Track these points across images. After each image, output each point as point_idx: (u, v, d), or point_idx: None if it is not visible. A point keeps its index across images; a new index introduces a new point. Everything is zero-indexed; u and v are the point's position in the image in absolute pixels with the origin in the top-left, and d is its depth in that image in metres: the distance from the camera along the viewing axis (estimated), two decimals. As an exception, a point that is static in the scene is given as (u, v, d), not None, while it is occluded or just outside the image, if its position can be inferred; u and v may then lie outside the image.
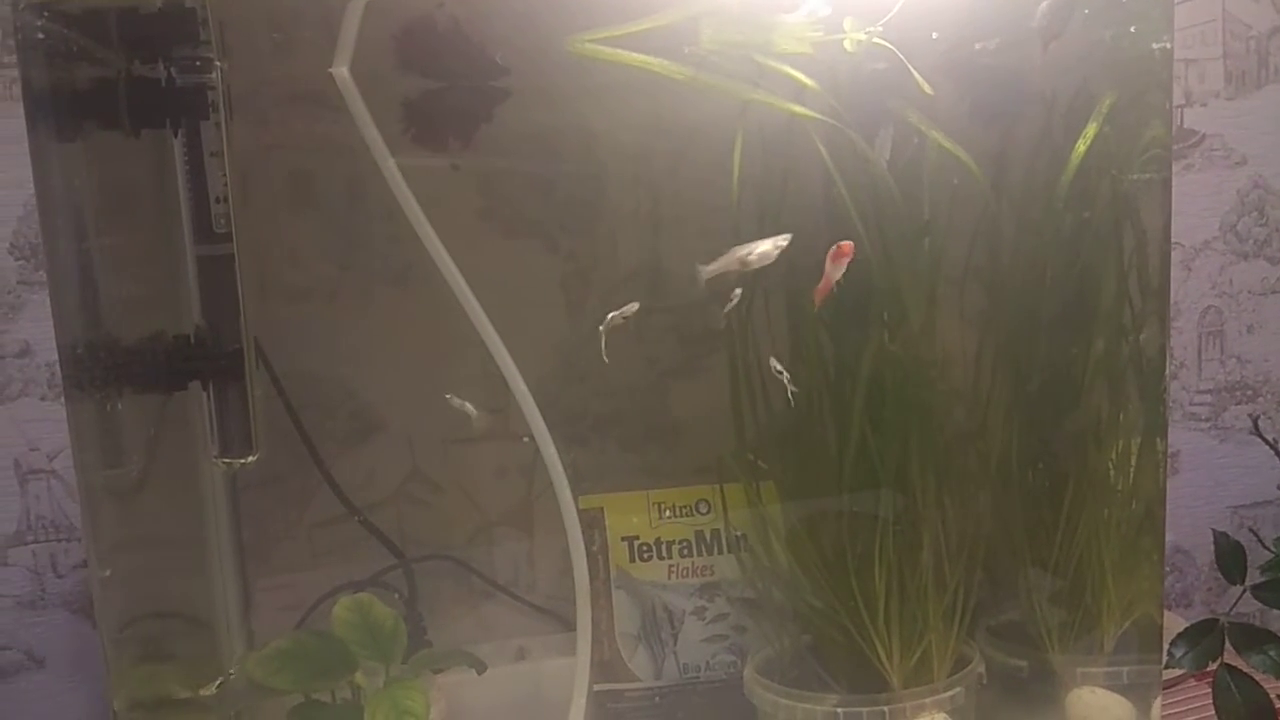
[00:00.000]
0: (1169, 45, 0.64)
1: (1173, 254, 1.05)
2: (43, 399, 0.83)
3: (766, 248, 0.62)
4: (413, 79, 0.69)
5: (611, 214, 0.81)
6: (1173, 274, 1.04)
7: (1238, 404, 1.07)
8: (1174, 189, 1.02)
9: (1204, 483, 1.08)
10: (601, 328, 0.63)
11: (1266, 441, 0.75)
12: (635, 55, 0.59)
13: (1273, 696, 0.66)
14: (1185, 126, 1.03)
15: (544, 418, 0.66)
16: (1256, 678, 0.67)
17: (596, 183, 0.79)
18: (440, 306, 0.64)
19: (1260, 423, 0.86)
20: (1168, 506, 0.70)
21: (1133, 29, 0.66)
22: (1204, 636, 0.66)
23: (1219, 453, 1.08)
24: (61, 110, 0.53)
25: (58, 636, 0.85)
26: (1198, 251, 1.06)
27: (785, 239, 0.62)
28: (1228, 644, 0.68)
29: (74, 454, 0.52)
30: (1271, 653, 0.64)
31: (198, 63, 0.55)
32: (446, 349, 0.73)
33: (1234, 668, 0.67)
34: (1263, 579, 0.68)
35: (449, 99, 0.69)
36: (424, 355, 0.76)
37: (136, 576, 0.60)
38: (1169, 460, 1.06)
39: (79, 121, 0.55)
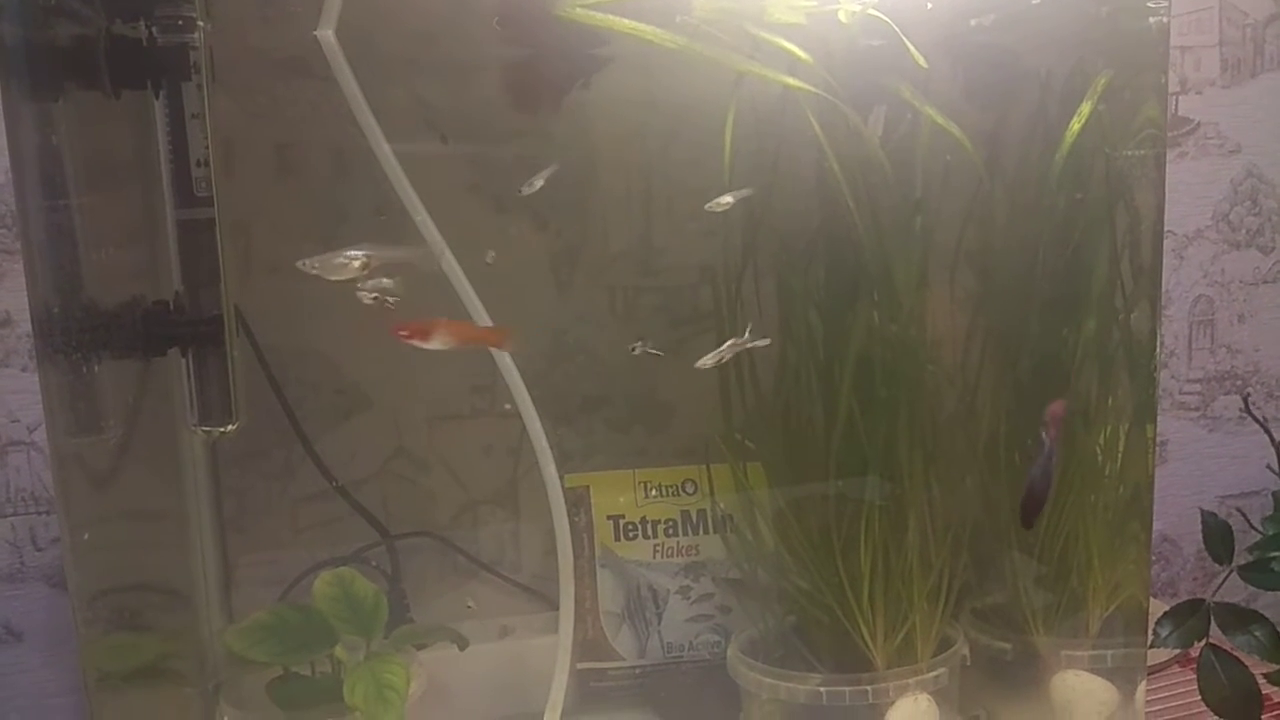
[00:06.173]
0: (1165, 20, 0.63)
1: (1165, 243, 1.04)
2: (24, 370, 0.82)
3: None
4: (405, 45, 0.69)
5: (602, 192, 0.80)
6: (1164, 263, 1.04)
7: (1227, 394, 1.07)
8: (1168, 177, 1.02)
9: (1192, 472, 1.08)
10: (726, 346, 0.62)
11: (1257, 420, 0.75)
12: (626, 21, 0.58)
13: (1258, 677, 0.66)
14: (1180, 114, 1.03)
15: (531, 396, 0.65)
16: (1241, 658, 0.67)
17: (587, 160, 0.78)
18: (427, 280, 0.64)
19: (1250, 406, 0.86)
20: (1155, 495, 0.70)
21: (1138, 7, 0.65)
22: (1189, 616, 0.66)
23: (1208, 442, 1.08)
24: (39, 69, 0.52)
25: (36, 610, 0.84)
26: (1190, 240, 1.05)
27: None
28: (1214, 626, 0.68)
29: (46, 419, 0.52)
30: (1257, 633, 0.64)
31: (179, 22, 0.54)
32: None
33: (1219, 648, 0.67)
34: (1250, 559, 0.68)
35: (542, 67, 0.68)
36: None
37: (112, 546, 0.59)
38: (1158, 449, 1.07)
39: (57, 81, 0.53)
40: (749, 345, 0.63)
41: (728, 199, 0.63)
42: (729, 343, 0.63)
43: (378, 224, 0.71)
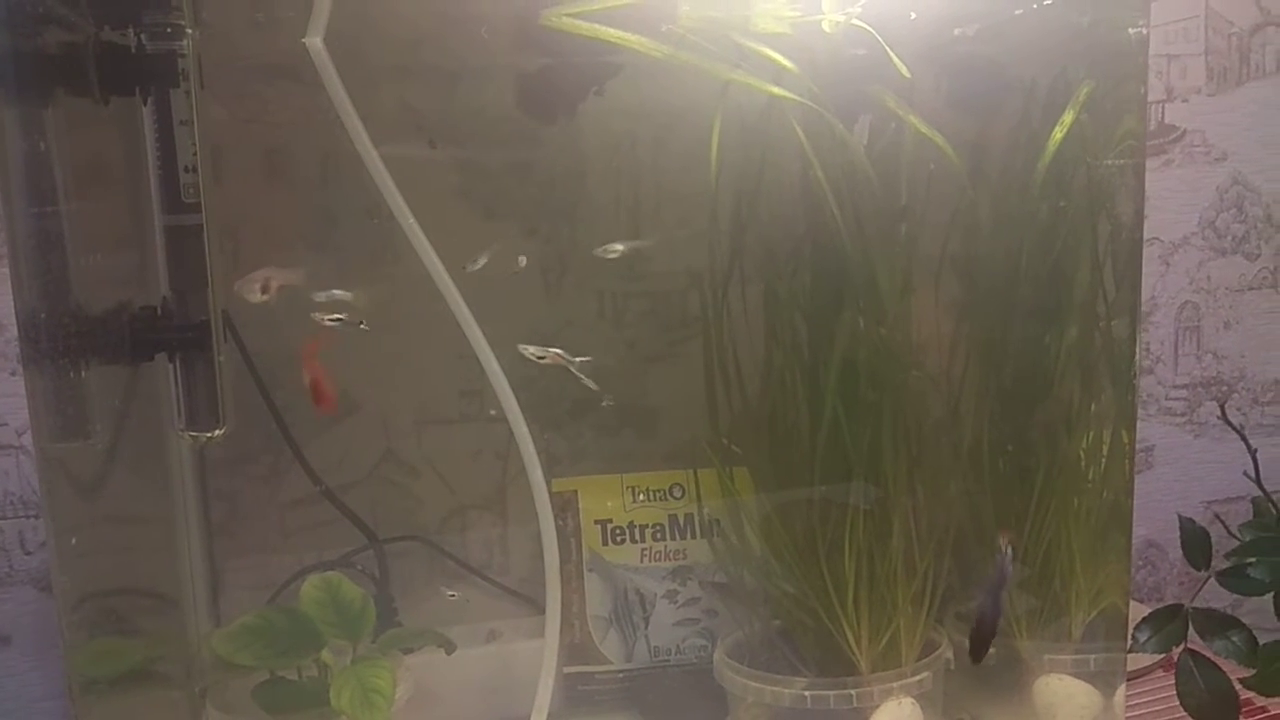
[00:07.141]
0: (1145, 31, 0.64)
1: (1151, 249, 1.05)
2: (12, 374, 0.82)
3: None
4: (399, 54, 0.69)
5: (590, 197, 0.80)
6: (1151, 269, 1.05)
7: (1213, 400, 1.08)
8: (1154, 185, 1.03)
9: (1178, 477, 1.09)
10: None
11: (1233, 427, 0.76)
12: (612, 31, 0.58)
13: (1235, 682, 0.66)
14: (1166, 122, 1.03)
15: (519, 400, 0.66)
16: (1220, 664, 0.67)
17: (576, 166, 0.79)
18: (416, 286, 0.64)
19: (1230, 414, 0.87)
20: (1141, 500, 0.70)
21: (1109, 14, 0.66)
22: (1168, 622, 0.67)
23: (1194, 448, 1.08)
24: (27, 75, 0.53)
25: (24, 614, 0.84)
26: (1176, 247, 1.06)
27: None
28: (1193, 631, 0.68)
29: (32, 424, 0.52)
30: (1235, 639, 0.65)
31: (168, 29, 0.54)
32: (422, 329, 0.73)
33: (1197, 653, 0.67)
34: (1228, 565, 0.68)
35: (560, 74, 0.69)
36: (398, 335, 0.76)
37: (99, 551, 0.59)
38: (1143, 455, 1.07)
39: (46, 87, 0.54)
40: (569, 362, 0.66)
41: (618, 246, 0.67)
42: (555, 350, 0.66)
43: (367, 229, 0.72)
